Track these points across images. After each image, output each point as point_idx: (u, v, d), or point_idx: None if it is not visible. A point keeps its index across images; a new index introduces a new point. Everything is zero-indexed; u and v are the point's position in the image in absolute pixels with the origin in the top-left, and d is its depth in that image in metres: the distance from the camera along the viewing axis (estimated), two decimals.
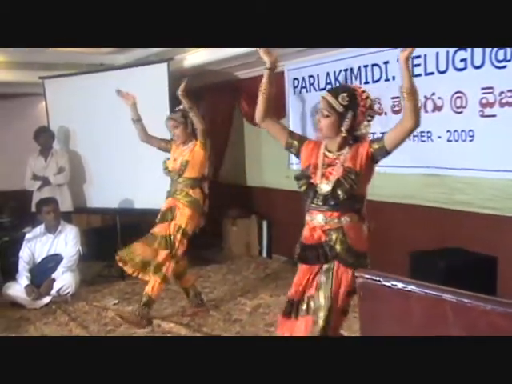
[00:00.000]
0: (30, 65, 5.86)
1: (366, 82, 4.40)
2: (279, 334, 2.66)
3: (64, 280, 4.57)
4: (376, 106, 4.33)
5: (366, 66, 4.41)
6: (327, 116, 2.47)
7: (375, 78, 4.34)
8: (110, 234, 5.69)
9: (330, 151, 2.55)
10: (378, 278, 1.42)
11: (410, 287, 1.35)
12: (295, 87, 5.21)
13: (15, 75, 5.87)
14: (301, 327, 2.53)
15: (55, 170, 5.46)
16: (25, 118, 6.48)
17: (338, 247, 2.48)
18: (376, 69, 4.31)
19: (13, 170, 5.80)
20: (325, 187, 2.48)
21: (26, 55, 5.61)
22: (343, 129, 2.46)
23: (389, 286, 1.39)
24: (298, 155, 2.66)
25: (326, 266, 2.51)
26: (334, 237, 2.49)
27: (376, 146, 2.45)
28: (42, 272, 4.60)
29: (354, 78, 4.54)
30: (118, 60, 6.31)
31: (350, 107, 2.44)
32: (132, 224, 5.94)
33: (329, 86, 4.84)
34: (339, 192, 2.44)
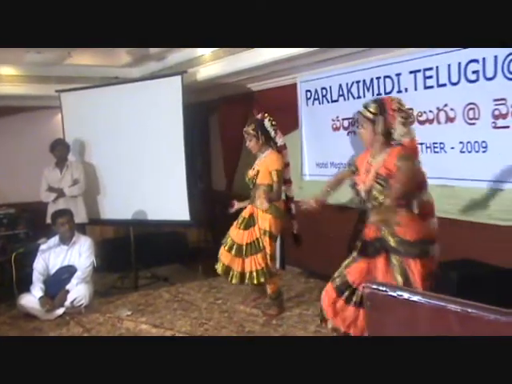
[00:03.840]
0: (46, 78, 5.97)
1: (378, 94, 4.40)
2: (324, 305, 3.02)
3: (78, 291, 4.60)
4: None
5: (378, 78, 4.41)
6: (363, 127, 2.90)
7: (387, 90, 4.34)
8: (123, 245, 5.74)
9: (373, 158, 2.92)
10: (384, 289, 1.44)
11: (416, 297, 1.37)
12: (308, 99, 5.23)
13: (32, 88, 5.98)
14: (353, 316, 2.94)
15: (70, 181, 5.48)
16: (40, 131, 6.52)
17: (390, 240, 2.84)
18: (388, 80, 4.31)
19: (28, 182, 5.82)
20: (362, 191, 2.93)
21: (43, 69, 5.72)
22: (378, 132, 2.83)
23: (395, 296, 1.41)
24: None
25: (391, 259, 2.86)
26: (385, 231, 2.85)
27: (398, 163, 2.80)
28: (56, 283, 4.63)
29: (366, 89, 4.54)
30: (133, 73, 6.41)
31: (380, 113, 2.83)
32: (145, 235, 5.99)
33: (341, 98, 4.86)
34: (375, 194, 2.85)
